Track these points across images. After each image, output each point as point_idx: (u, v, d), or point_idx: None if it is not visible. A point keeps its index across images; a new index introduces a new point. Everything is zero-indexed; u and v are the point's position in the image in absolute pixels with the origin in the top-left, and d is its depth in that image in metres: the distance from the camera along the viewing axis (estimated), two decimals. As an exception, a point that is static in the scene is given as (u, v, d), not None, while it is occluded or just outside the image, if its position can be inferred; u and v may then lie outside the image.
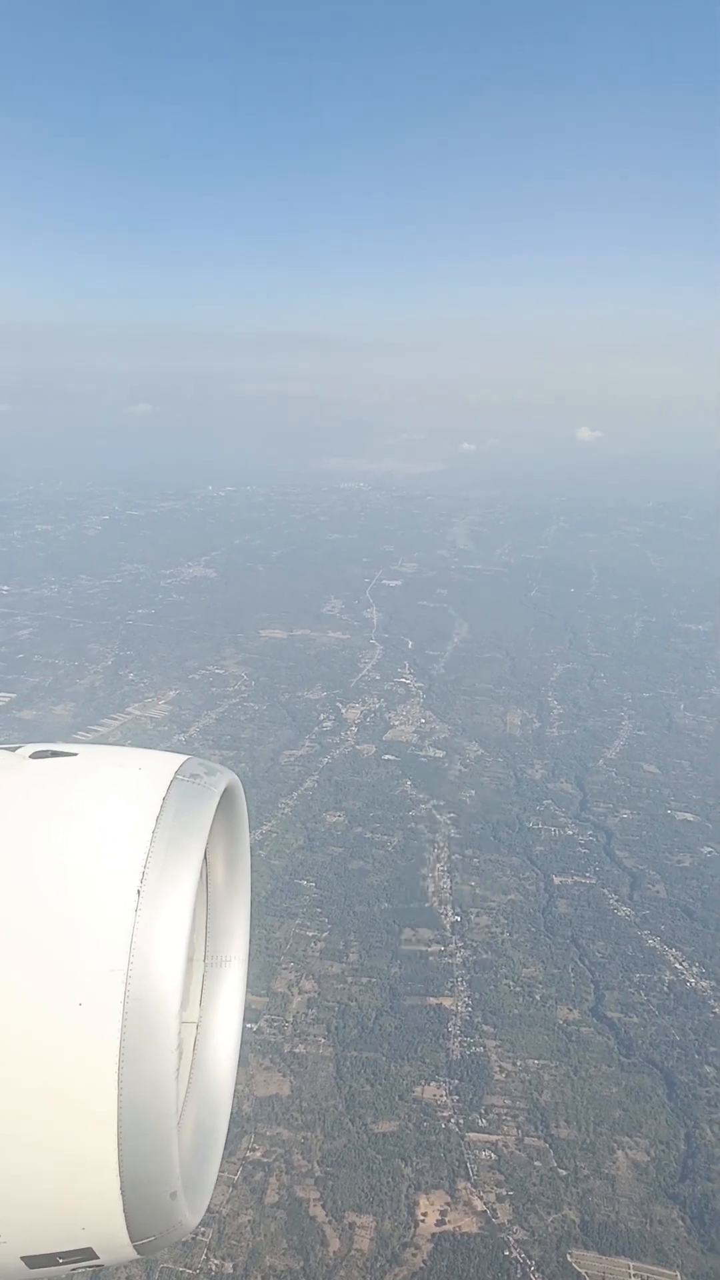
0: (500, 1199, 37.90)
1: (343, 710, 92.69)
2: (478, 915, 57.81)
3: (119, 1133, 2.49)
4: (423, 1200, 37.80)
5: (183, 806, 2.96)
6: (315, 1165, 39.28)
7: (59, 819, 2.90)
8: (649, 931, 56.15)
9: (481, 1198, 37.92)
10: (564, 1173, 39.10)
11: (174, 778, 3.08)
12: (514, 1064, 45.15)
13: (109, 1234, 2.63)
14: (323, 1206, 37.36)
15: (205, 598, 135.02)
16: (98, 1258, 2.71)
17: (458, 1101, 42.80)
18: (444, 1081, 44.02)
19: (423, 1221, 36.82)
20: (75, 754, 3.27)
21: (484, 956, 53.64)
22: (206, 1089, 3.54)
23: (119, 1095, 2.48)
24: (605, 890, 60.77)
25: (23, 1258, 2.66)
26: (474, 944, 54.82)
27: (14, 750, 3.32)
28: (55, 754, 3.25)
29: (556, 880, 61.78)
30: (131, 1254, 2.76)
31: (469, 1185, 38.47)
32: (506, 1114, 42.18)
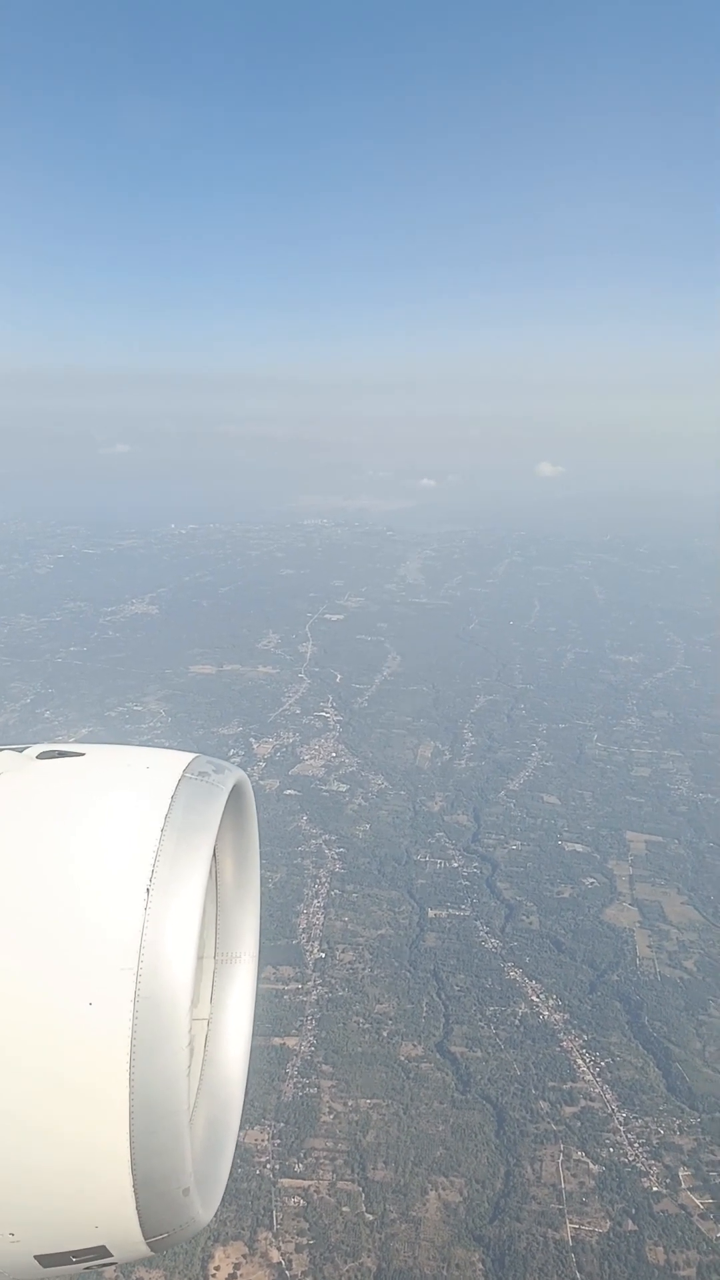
0: (299, 1249, 36.57)
1: (255, 745, 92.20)
2: (344, 951, 56.81)
3: (131, 1130, 2.49)
4: (219, 1253, 36.40)
5: (191, 804, 2.97)
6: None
7: (68, 818, 2.92)
8: (513, 964, 55.31)
9: (280, 1248, 36.58)
10: (370, 1218, 37.84)
11: (182, 776, 3.11)
12: (345, 1104, 43.97)
13: (122, 1231, 2.63)
14: (111, 1260, 35.89)
15: (141, 634, 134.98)
16: (111, 1255, 2.69)
17: (278, 1146, 41.56)
18: (269, 1125, 42.79)
19: (214, 1276, 35.40)
20: (83, 754, 3.30)
21: (340, 993, 52.58)
22: (218, 1085, 3.56)
23: (131, 1093, 2.49)
24: (478, 923, 59.99)
25: (36, 1256, 2.65)
26: (333, 981, 53.77)
27: (21, 751, 3.34)
28: (63, 754, 3.28)
29: (431, 913, 60.98)
30: (145, 1251, 2.73)
31: (270, 1235, 37.14)
32: (325, 1157, 40.95)
